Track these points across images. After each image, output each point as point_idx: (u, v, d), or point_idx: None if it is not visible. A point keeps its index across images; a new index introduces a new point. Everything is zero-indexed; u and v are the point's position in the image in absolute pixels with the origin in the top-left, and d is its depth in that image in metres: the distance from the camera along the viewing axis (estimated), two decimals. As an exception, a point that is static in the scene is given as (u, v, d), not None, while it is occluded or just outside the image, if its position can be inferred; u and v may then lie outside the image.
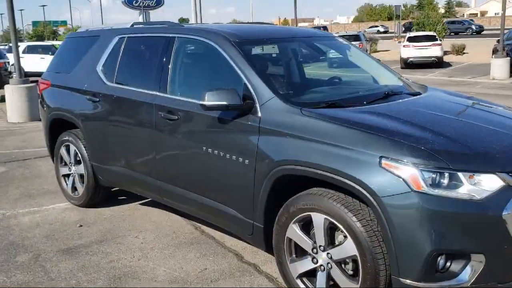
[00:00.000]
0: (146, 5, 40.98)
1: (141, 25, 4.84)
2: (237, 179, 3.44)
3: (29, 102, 10.92)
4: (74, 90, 5.00)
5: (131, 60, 4.61)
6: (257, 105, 3.35)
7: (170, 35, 4.19)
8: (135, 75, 4.50)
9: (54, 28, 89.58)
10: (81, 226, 4.70)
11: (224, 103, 3.33)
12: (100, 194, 5.12)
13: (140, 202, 5.33)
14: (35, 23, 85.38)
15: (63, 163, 5.35)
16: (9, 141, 8.87)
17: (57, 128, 5.38)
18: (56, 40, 47.62)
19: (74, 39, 5.58)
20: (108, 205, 5.25)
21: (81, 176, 5.11)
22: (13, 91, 10.81)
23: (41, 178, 6.39)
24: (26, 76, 20.03)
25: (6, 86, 11.06)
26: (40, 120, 11.24)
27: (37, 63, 20.76)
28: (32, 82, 11.51)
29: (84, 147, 4.94)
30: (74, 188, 5.25)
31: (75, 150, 5.06)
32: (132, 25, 4.82)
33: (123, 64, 4.60)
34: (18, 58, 10.94)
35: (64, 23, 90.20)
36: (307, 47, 4.58)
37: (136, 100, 4.25)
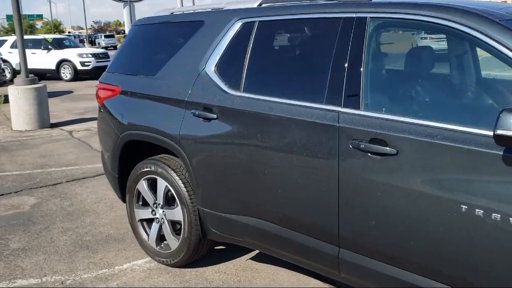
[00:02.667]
0: (131, -3, 39.32)
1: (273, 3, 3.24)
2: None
3: (38, 106, 9.17)
4: (168, 101, 3.41)
5: (273, 56, 3.03)
6: None
7: (354, 15, 2.64)
8: (284, 80, 2.92)
9: (31, 22, 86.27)
10: (191, 305, 3.16)
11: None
12: (203, 250, 3.56)
13: (250, 256, 3.80)
14: (9, 17, 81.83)
15: (142, 203, 3.76)
16: (24, 157, 7.14)
17: (130, 152, 3.80)
18: (33, 34, 44.75)
19: (151, 26, 3.91)
20: (208, 262, 3.70)
21: (174, 223, 3.55)
22: (19, 93, 9.01)
23: (90, 214, 4.78)
24: (15, 73, 18.16)
25: (10, 87, 9.23)
26: (51, 127, 9.54)
27: (28, 58, 18.69)
28: (40, 81, 9.77)
29: (184, 183, 3.37)
30: (160, 239, 3.68)
31: (166, 187, 3.48)
32: (261, 4, 3.23)
33: (257, 63, 3.02)
34: (24, 54, 9.27)
35: (40, 16, 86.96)
36: None
37: (296, 119, 2.70)
